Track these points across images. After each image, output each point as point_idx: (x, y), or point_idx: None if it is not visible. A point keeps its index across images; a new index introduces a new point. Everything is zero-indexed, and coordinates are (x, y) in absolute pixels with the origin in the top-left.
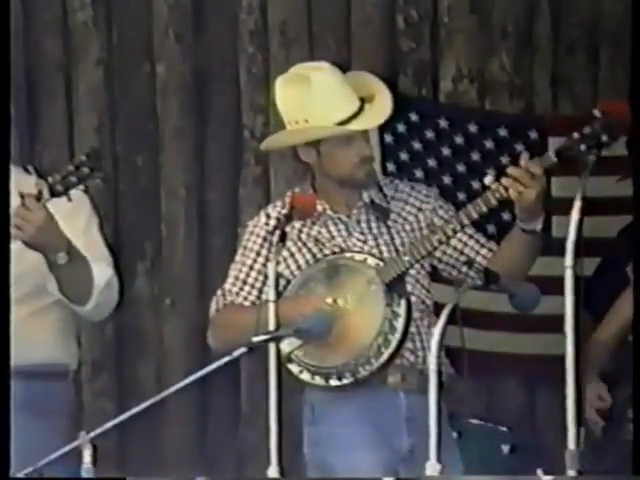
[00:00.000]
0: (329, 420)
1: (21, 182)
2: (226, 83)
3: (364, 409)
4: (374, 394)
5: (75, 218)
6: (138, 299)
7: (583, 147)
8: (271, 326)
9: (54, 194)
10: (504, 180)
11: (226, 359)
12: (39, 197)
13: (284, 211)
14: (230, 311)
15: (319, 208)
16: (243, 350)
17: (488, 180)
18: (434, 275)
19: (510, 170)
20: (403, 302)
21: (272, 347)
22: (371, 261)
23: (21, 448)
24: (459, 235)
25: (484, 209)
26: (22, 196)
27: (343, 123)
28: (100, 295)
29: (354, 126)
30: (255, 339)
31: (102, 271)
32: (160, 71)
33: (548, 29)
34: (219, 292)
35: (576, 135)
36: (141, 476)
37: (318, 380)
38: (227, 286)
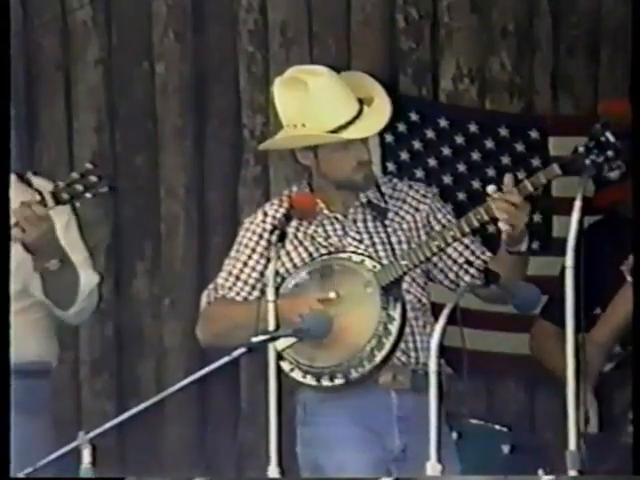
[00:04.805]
0: (321, 420)
1: (19, 193)
2: (226, 83)
3: (356, 409)
4: (366, 394)
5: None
6: (138, 299)
7: (588, 161)
8: (271, 326)
9: (59, 202)
10: (494, 211)
11: (226, 359)
12: (45, 203)
13: (282, 210)
14: (221, 305)
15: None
16: (242, 350)
17: (491, 189)
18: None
19: (497, 204)
20: (399, 305)
21: (271, 347)
22: (369, 263)
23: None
24: (455, 244)
25: (480, 221)
26: (23, 204)
27: (342, 127)
28: (83, 302)
29: (352, 132)
30: (254, 339)
31: (89, 277)
32: (160, 71)
33: (548, 29)
34: (211, 286)
35: (581, 149)
36: (141, 476)
37: (309, 379)
38: (220, 280)
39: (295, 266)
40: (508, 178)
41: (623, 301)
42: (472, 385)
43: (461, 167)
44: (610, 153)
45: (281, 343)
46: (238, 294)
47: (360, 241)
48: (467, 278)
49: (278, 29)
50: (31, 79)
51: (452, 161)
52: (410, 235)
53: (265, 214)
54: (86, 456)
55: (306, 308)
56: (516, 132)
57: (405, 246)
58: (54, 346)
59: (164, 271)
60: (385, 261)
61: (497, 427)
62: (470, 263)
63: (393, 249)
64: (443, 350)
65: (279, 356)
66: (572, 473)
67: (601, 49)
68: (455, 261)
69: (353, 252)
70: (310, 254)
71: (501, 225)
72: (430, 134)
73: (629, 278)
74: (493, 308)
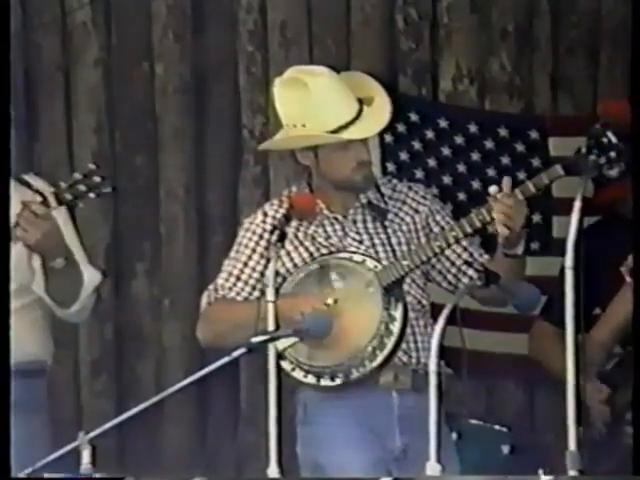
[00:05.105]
0: (321, 420)
1: (20, 195)
2: (225, 83)
3: (356, 408)
4: (366, 393)
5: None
6: (137, 300)
7: (590, 162)
8: (270, 326)
9: (62, 202)
10: (494, 214)
11: (226, 359)
12: (47, 204)
13: (282, 210)
14: (222, 305)
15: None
16: (242, 350)
17: (492, 190)
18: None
19: (495, 206)
20: (400, 305)
21: (271, 347)
22: (370, 263)
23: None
24: (454, 246)
25: (482, 222)
26: (25, 205)
27: (342, 128)
28: (85, 300)
29: (352, 132)
30: (255, 339)
31: (93, 276)
32: (159, 71)
33: (548, 29)
34: (211, 286)
35: (583, 150)
36: (141, 476)
37: (310, 379)
38: (220, 281)
39: (296, 266)
40: (506, 182)
41: (623, 301)
42: (472, 385)
43: (461, 167)
44: (612, 154)
45: (282, 342)
46: (238, 294)
47: (360, 242)
48: (465, 280)
49: (278, 29)
50: (31, 80)
51: (452, 161)
52: (410, 236)
53: (265, 214)
54: (86, 456)
55: (308, 308)
56: (516, 132)
57: (405, 247)
58: (50, 344)
59: (164, 272)
60: (385, 262)
61: (497, 427)
62: (468, 265)
63: (393, 250)
64: (443, 350)
65: (280, 356)
66: (572, 473)
67: (601, 49)
68: (453, 263)
69: (354, 252)
70: (311, 254)
71: (498, 227)
72: (430, 134)
73: (628, 279)
74: (493, 308)
